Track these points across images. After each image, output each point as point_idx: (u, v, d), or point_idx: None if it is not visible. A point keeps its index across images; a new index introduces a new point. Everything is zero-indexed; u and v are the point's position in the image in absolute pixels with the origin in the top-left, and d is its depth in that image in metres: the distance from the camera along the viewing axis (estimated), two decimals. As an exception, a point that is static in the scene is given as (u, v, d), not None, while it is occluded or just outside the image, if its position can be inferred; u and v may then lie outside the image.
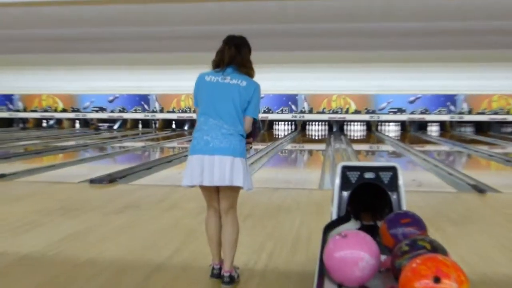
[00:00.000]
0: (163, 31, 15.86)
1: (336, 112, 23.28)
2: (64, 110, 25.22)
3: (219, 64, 3.50)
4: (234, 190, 3.50)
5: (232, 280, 3.53)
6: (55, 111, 25.26)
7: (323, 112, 23.35)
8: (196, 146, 3.44)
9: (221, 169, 3.35)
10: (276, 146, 15.06)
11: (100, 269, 3.92)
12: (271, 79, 21.71)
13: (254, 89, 3.45)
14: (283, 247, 4.46)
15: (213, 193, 3.56)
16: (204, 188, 3.52)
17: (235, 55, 3.47)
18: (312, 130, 23.72)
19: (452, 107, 22.74)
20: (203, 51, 20.09)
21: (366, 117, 23.21)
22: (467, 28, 14.79)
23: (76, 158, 12.46)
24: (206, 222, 3.68)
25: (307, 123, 23.77)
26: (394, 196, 3.38)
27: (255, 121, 3.53)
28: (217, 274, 3.62)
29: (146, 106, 24.66)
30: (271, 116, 23.32)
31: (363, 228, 3.32)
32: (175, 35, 16.04)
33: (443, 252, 2.49)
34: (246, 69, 3.48)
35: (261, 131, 3.75)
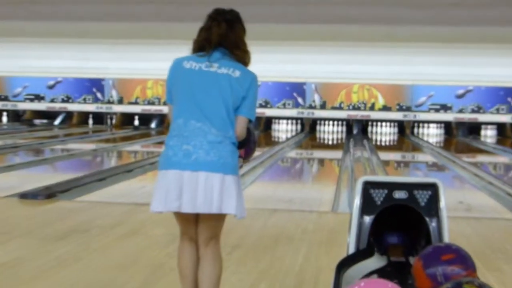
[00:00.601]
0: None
1: (358, 108, 23.34)
2: (-15, 98, 25.20)
3: (204, 46, 3.43)
4: (220, 218, 3.48)
5: None
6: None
7: (340, 108, 23.40)
8: (172, 158, 3.37)
9: (207, 191, 3.29)
10: (276, 153, 15.08)
11: (33, 315, 3.93)
12: (270, 61, 21.68)
13: (250, 81, 3.41)
14: (282, 290, 4.47)
15: (191, 220, 3.50)
16: (181, 215, 3.45)
17: (225, 33, 3.40)
18: (324, 131, 23.77)
19: (514, 104, 22.85)
20: (178, 21, 20.21)
21: (399, 115, 23.28)
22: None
23: (1, 164, 12.43)
24: (178, 254, 3.62)
25: (318, 122, 23.82)
26: (433, 224, 3.41)
27: (248, 129, 3.51)
28: None
29: (99, 95, 24.63)
30: (269, 112, 23.33)
31: (390, 265, 3.34)
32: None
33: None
34: (240, 52, 3.42)
35: (255, 144, 3.72)
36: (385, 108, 23.21)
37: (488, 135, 23.44)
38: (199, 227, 3.50)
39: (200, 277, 3.49)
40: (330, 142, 21.13)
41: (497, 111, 22.87)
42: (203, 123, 3.31)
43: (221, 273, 3.54)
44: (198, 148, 3.29)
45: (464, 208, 8.34)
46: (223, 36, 3.39)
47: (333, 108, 23.34)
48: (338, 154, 15.87)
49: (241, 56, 3.42)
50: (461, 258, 2.95)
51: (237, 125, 3.40)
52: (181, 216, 3.48)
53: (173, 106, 3.45)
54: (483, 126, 23.53)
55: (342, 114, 23.40)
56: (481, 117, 22.99)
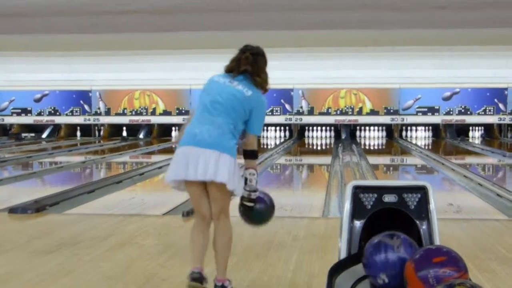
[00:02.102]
0: (109, 3, 15.85)
1: (346, 113, 23.42)
2: (-28, 113, 25.11)
3: (233, 69, 4.35)
4: (223, 192, 4.17)
5: None
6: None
7: (327, 113, 23.47)
8: (184, 139, 4.22)
9: (206, 163, 4.08)
10: (265, 160, 15.10)
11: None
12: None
13: (257, 102, 4.28)
14: (275, 297, 4.47)
15: (202, 196, 4.26)
16: (190, 186, 4.22)
17: (250, 63, 4.29)
18: (313, 137, 23.81)
19: (501, 105, 22.97)
20: (163, 31, 20.15)
21: (386, 119, 23.38)
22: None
23: (-10, 179, 12.38)
24: (191, 230, 4.35)
25: (307, 128, 23.86)
26: (423, 226, 3.42)
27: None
28: (198, 278, 4.17)
29: (86, 107, 24.61)
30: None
31: (382, 269, 3.34)
32: (126, 9, 16.04)
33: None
34: (260, 79, 4.32)
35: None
36: (373, 112, 23.30)
37: (476, 136, 23.55)
38: (211, 204, 4.25)
39: (214, 246, 4.32)
40: (319, 148, 21.16)
41: (484, 113, 22.99)
42: (214, 116, 4.17)
43: (231, 241, 4.34)
44: (204, 132, 4.13)
45: (454, 210, 8.36)
46: (248, 66, 4.28)
47: (321, 113, 23.42)
48: (327, 159, 15.90)
49: (259, 82, 4.32)
50: (453, 260, 2.97)
51: (247, 138, 4.32)
52: (191, 189, 4.24)
53: (198, 105, 4.35)
54: (471, 128, 23.65)
55: (330, 120, 23.49)
56: (469, 119, 23.11)
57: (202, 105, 4.27)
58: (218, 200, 4.21)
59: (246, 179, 4.27)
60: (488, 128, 23.60)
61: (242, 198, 4.21)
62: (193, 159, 4.07)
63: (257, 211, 4.28)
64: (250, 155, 4.35)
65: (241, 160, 4.31)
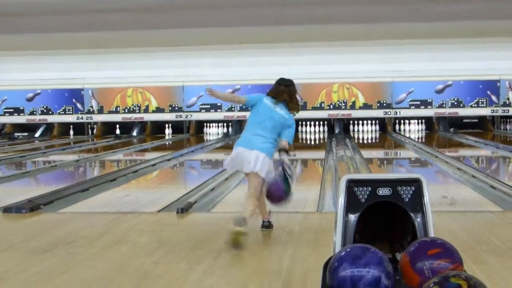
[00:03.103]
0: (99, 1, 15.81)
1: (339, 108, 23.43)
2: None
3: (275, 98, 6.28)
4: (257, 178, 6.09)
5: (266, 226, 6.46)
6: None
7: (320, 108, 23.48)
8: (241, 141, 6.23)
9: (252, 160, 6.03)
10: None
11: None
12: (248, 64, 21.75)
13: (290, 122, 6.26)
14: (271, 292, 4.47)
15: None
16: (246, 174, 6.34)
17: (286, 93, 6.30)
18: (306, 132, 23.82)
19: (494, 97, 23.01)
20: (154, 28, 20.04)
21: (379, 113, 23.40)
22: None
23: (-17, 179, 12.35)
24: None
25: (300, 123, 23.85)
26: (418, 219, 3.42)
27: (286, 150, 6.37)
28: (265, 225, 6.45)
29: (79, 105, 24.56)
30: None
31: (377, 263, 3.35)
32: (117, 7, 16.00)
33: (485, 292, 2.52)
34: (292, 104, 6.35)
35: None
36: (366, 106, 23.32)
37: (469, 128, 23.55)
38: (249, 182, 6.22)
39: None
40: (312, 143, 21.17)
41: (477, 105, 23.03)
42: (262, 131, 6.15)
43: (253, 209, 6.03)
44: (254, 140, 6.11)
45: (448, 202, 8.39)
46: (285, 95, 6.30)
47: (314, 108, 23.42)
48: (321, 154, 15.92)
49: (292, 107, 6.35)
50: (447, 251, 2.97)
51: (282, 142, 6.24)
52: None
53: (250, 118, 6.34)
54: (464, 120, 23.68)
55: (323, 114, 23.50)
56: (462, 111, 23.14)
57: (255, 121, 6.22)
58: (252, 182, 6.12)
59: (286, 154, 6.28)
60: (481, 121, 23.65)
61: (283, 163, 6.25)
62: (246, 157, 6.04)
63: (290, 178, 6.23)
64: (286, 151, 6.27)
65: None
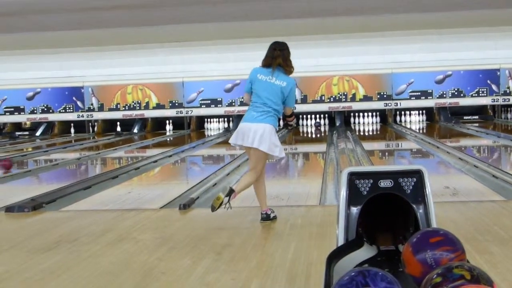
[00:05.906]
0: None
1: (339, 100, 23.41)
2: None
3: (270, 64, 6.38)
4: (259, 155, 6.42)
5: (264, 218, 6.53)
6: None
7: (321, 101, 23.47)
8: (245, 118, 6.47)
9: (255, 134, 6.30)
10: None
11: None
12: (246, 59, 21.62)
13: (291, 86, 6.43)
14: (274, 286, 4.48)
15: (249, 153, 6.65)
16: (245, 149, 6.64)
17: (281, 57, 6.39)
18: (307, 125, 23.81)
19: (494, 87, 22.98)
20: (151, 24, 20.01)
21: (380, 104, 23.39)
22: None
23: (-15, 179, 12.36)
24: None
25: (300, 116, 23.85)
26: (420, 210, 3.42)
27: (292, 111, 6.81)
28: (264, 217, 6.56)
29: (79, 103, 24.56)
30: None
31: (380, 255, 3.35)
32: (114, 4, 16.00)
33: (488, 282, 2.52)
34: (288, 68, 6.43)
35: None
36: (366, 98, 23.31)
37: (470, 118, 23.55)
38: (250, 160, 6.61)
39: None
40: (313, 136, 21.16)
41: (478, 94, 23.01)
42: (263, 105, 6.36)
43: (246, 185, 6.42)
44: (256, 115, 6.36)
45: (450, 193, 8.38)
46: (280, 60, 6.39)
47: (314, 101, 23.41)
48: (322, 147, 15.91)
49: (288, 70, 6.45)
50: (450, 241, 2.97)
51: (285, 109, 6.57)
52: (246, 150, 6.63)
53: (253, 96, 6.47)
54: (465, 110, 23.66)
55: (324, 107, 23.49)
56: (462, 101, 23.13)
57: (256, 96, 6.41)
58: (253, 162, 6.45)
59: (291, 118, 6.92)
60: (481, 110, 23.65)
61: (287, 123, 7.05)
62: (248, 131, 6.33)
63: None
64: (289, 116, 6.79)
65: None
